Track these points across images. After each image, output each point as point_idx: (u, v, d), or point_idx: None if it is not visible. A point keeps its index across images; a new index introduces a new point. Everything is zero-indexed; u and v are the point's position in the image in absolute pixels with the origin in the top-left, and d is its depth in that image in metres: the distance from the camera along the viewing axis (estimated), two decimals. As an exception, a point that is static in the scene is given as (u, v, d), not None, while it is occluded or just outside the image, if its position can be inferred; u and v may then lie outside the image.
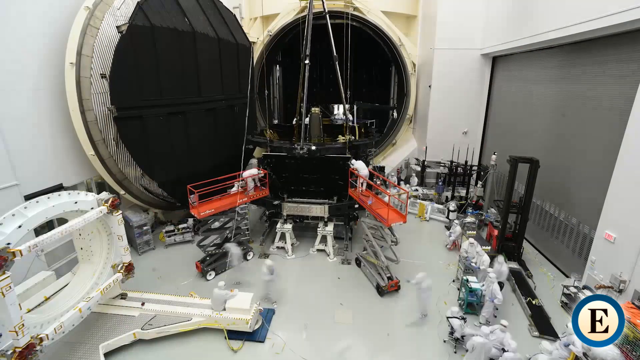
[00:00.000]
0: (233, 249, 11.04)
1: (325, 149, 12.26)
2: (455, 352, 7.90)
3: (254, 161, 19.05)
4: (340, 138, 14.32)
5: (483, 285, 9.07)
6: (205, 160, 13.68)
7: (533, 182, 10.82)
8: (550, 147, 12.14)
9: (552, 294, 9.88)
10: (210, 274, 11.03)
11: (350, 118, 15.51)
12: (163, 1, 11.83)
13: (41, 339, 6.46)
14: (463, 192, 16.68)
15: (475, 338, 7.19)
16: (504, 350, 7.07)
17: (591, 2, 9.32)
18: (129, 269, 9.10)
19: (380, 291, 9.99)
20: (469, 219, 13.42)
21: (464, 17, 16.82)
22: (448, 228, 13.86)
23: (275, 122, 25.45)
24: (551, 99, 12.21)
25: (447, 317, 8.25)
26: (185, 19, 12.53)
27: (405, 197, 12.35)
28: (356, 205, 12.18)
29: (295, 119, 15.77)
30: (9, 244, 6.08)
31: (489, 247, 11.35)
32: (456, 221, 13.50)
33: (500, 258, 9.86)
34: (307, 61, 12.93)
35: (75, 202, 7.60)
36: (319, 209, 12.34)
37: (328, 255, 12.22)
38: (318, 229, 12.40)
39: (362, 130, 15.97)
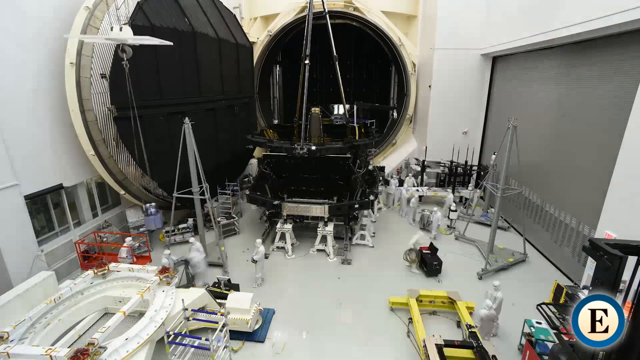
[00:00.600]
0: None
1: (325, 149, 12.27)
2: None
3: (254, 161, 19.11)
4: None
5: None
6: (205, 160, 13.66)
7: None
8: (550, 147, 12.15)
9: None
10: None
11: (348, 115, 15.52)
12: (163, 1, 11.85)
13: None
14: (463, 192, 16.67)
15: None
16: None
17: (591, 2, 9.33)
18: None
19: None
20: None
21: (464, 17, 16.84)
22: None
23: (275, 122, 25.46)
24: (551, 99, 12.22)
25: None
26: (185, 19, 12.54)
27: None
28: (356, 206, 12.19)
29: (295, 119, 15.78)
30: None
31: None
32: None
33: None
34: (307, 61, 12.94)
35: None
36: (319, 209, 12.34)
37: (328, 255, 12.23)
38: (318, 229, 12.40)
39: (362, 130, 15.99)
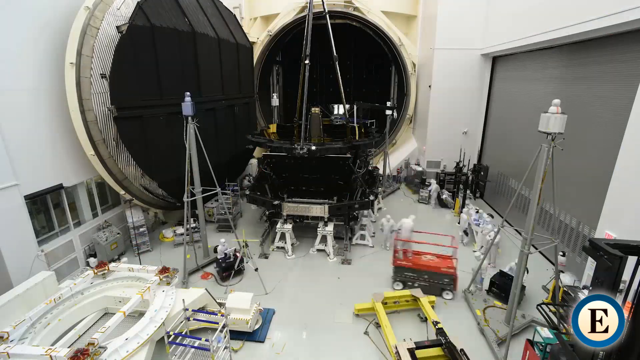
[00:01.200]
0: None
1: (325, 149, 12.26)
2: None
3: (254, 161, 19.10)
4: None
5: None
6: (205, 160, 13.66)
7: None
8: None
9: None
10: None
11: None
12: (163, 1, 11.84)
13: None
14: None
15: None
16: None
17: (592, 2, 9.33)
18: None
19: None
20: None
21: (464, 17, 16.84)
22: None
23: (276, 122, 25.42)
24: (551, 98, 12.13)
25: None
26: (185, 19, 12.53)
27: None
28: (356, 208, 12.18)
29: (295, 119, 15.78)
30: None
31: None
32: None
33: None
34: (307, 61, 12.93)
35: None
36: (319, 209, 12.34)
37: (328, 255, 12.23)
38: (318, 229, 12.40)
39: (362, 130, 15.99)
